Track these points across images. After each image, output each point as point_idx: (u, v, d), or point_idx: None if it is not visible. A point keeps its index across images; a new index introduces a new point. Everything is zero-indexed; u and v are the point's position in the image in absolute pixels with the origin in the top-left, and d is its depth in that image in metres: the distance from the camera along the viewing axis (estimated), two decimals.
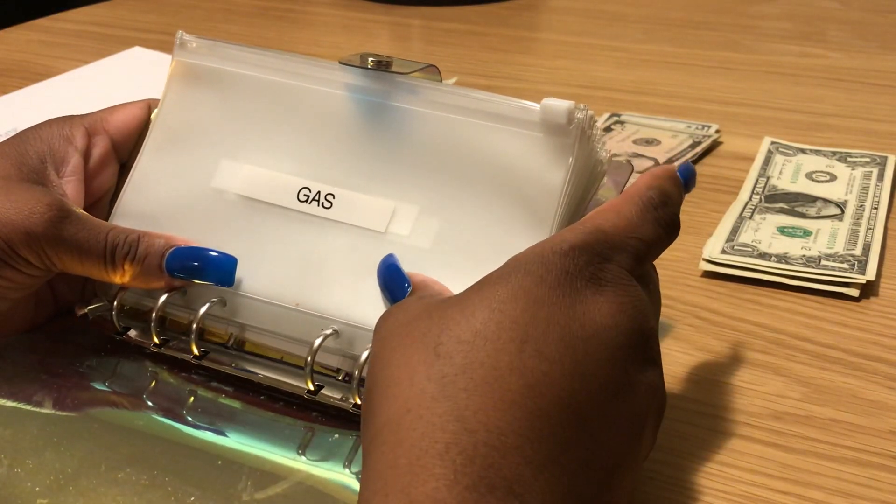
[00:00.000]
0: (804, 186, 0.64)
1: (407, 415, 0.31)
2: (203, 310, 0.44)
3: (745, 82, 0.85)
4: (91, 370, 0.45)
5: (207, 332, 0.45)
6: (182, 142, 0.48)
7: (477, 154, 0.43)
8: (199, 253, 0.44)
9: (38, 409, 0.43)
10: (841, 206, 0.62)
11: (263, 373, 0.44)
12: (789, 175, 0.66)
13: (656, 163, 0.68)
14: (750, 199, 0.63)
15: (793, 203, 0.62)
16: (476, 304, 0.34)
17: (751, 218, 0.60)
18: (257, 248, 0.45)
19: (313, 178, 0.45)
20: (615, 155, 0.69)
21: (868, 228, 0.58)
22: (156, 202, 0.47)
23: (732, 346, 0.49)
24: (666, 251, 0.58)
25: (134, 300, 0.46)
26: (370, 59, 0.45)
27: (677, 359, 0.48)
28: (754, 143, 0.71)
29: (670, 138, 0.72)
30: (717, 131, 0.73)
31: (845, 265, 0.54)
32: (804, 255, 0.55)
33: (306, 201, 0.45)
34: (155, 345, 0.45)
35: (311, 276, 0.44)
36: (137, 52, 0.92)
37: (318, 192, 0.45)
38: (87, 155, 0.47)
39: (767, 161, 0.68)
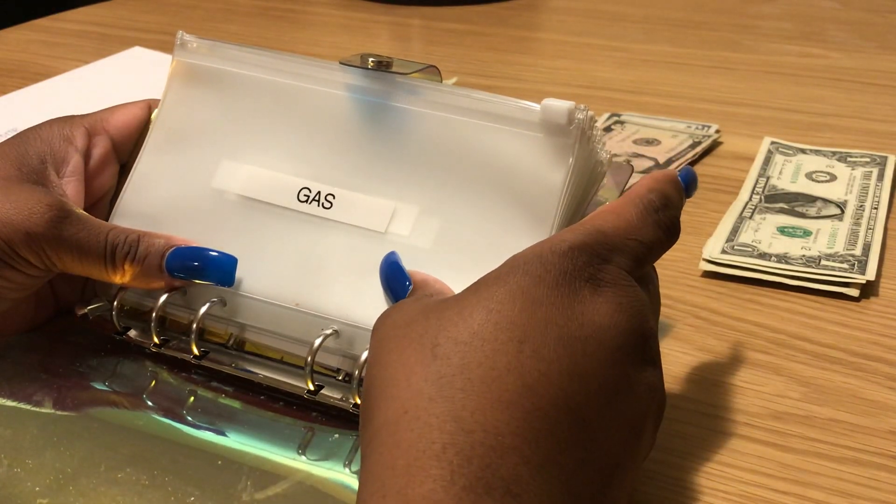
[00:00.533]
0: (804, 186, 0.64)
1: (404, 416, 0.31)
2: (203, 310, 0.44)
3: (745, 82, 0.85)
4: (91, 370, 0.45)
5: (207, 332, 0.45)
6: (182, 142, 0.48)
7: (477, 154, 0.43)
8: (199, 253, 0.44)
9: (38, 409, 0.43)
10: (841, 206, 0.62)
11: (263, 373, 0.44)
12: (789, 175, 0.66)
13: (656, 163, 0.68)
14: (750, 199, 0.63)
15: (793, 203, 0.62)
16: (473, 304, 0.34)
17: (751, 218, 0.60)
18: (257, 248, 0.45)
19: (313, 178, 0.46)
20: (615, 155, 0.69)
21: (868, 228, 0.58)
22: (156, 202, 0.47)
23: (732, 346, 0.49)
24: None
25: (134, 300, 0.46)
26: (370, 59, 0.45)
27: (677, 359, 0.48)
28: (754, 143, 0.71)
29: (670, 138, 0.72)
30: (717, 131, 0.73)
31: (845, 265, 0.54)
32: (804, 255, 0.56)
33: (306, 201, 0.45)
34: (155, 345, 0.45)
35: (311, 276, 0.44)
36: (137, 52, 0.92)
37: (319, 193, 0.45)
38: (87, 155, 0.47)
39: (767, 161, 0.68)
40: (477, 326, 0.33)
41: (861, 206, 0.61)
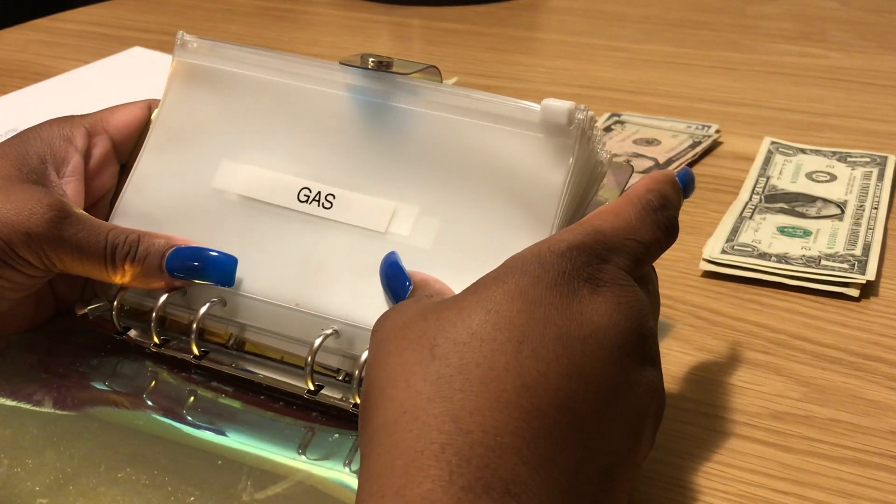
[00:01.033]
0: (804, 186, 0.64)
1: (403, 416, 0.31)
2: (203, 310, 0.44)
3: (745, 82, 0.85)
4: (91, 370, 0.45)
5: (207, 332, 0.45)
6: (182, 142, 0.48)
7: (477, 154, 0.43)
8: (199, 253, 0.44)
9: (38, 409, 0.43)
10: (841, 206, 0.62)
11: (263, 373, 0.44)
12: (789, 175, 0.66)
13: (656, 163, 0.68)
14: (750, 199, 0.63)
15: (793, 203, 0.62)
16: (472, 305, 0.34)
17: (751, 218, 0.60)
18: (258, 248, 0.45)
19: (314, 178, 0.46)
20: (616, 155, 0.69)
21: (868, 228, 0.58)
22: (156, 202, 0.47)
23: (732, 346, 0.49)
24: (666, 251, 0.58)
25: (134, 300, 0.46)
26: (371, 59, 0.45)
27: (677, 359, 0.48)
28: (754, 143, 0.71)
29: (670, 138, 0.72)
30: (717, 131, 0.73)
31: (845, 265, 0.54)
32: (804, 255, 0.56)
33: (307, 201, 0.45)
34: (155, 345, 0.45)
35: (312, 277, 0.44)
36: (137, 52, 0.92)
37: (319, 193, 0.45)
38: (87, 155, 0.47)
39: (767, 161, 0.68)
40: (475, 327, 0.33)
41: (861, 206, 0.61)
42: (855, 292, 0.53)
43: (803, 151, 0.69)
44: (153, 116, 0.49)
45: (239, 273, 0.44)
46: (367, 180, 0.45)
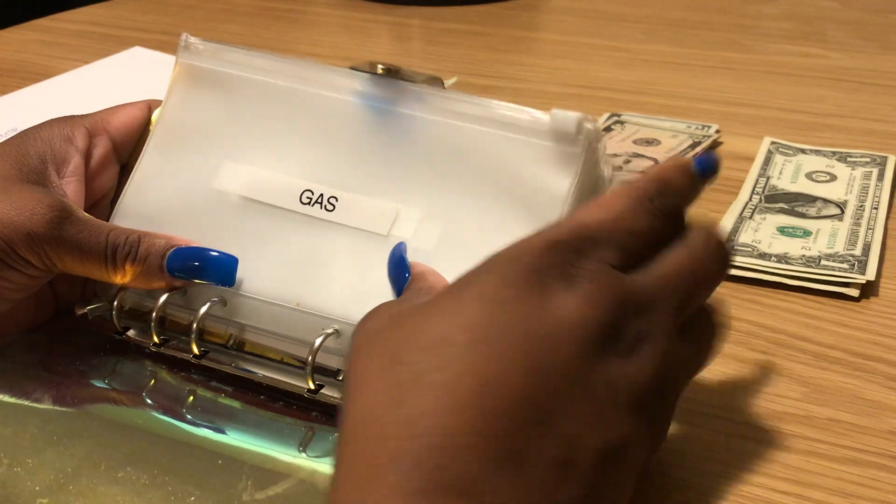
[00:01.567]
0: (804, 186, 0.64)
1: (361, 425, 0.31)
2: (203, 310, 0.44)
3: (745, 82, 0.85)
4: (91, 369, 0.45)
5: (207, 332, 0.45)
6: (184, 143, 0.48)
7: (482, 160, 0.44)
8: (200, 253, 0.44)
9: (37, 407, 0.43)
10: (841, 206, 0.62)
11: (263, 373, 0.44)
12: (789, 175, 0.66)
13: (656, 163, 0.68)
14: (750, 199, 0.63)
15: (793, 203, 0.62)
16: (441, 310, 0.33)
17: (751, 218, 0.60)
18: (259, 249, 0.45)
19: (316, 180, 0.46)
20: (619, 168, 0.69)
21: (868, 228, 0.58)
22: (157, 203, 0.47)
23: (732, 346, 0.49)
24: None
25: (134, 300, 0.46)
26: (378, 66, 0.45)
27: None
28: (754, 143, 0.71)
29: (670, 138, 0.72)
30: (717, 131, 0.73)
31: (845, 265, 0.54)
32: (804, 255, 0.56)
33: (309, 203, 0.45)
34: (155, 344, 0.45)
35: (313, 277, 0.44)
36: (137, 52, 0.92)
37: (321, 195, 0.45)
38: (87, 155, 0.47)
39: (767, 161, 0.68)
40: (439, 332, 0.33)
41: (861, 206, 0.61)
42: (855, 292, 0.53)
43: (803, 151, 0.69)
44: (154, 117, 0.49)
45: (239, 273, 0.44)
46: (369, 183, 0.45)
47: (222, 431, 0.42)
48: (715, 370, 0.48)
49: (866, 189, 0.64)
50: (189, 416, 0.43)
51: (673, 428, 0.43)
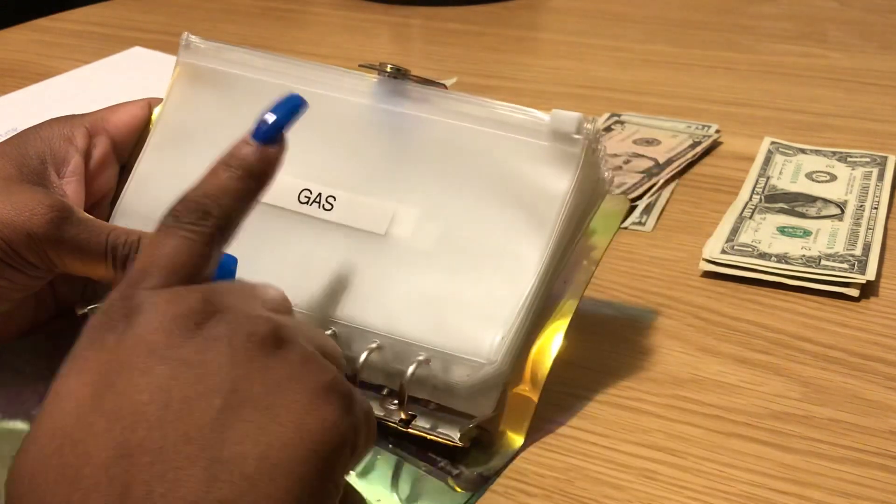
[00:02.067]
0: (804, 186, 0.64)
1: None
2: None
3: (745, 82, 0.85)
4: None
5: None
6: (184, 142, 0.48)
7: (481, 160, 0.44)
8: None
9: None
10: (841, 206, 0.62)
11: None
12: (789, 175, 0.66)
13: (656, 163, 0.68)
14: (750, 199, 0.63)
15: (793, 203, 0.62)
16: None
17: (751, 218, 0.60)
18: (257, 248, 0.45)
19: (315, 180, 0.46)
20: (618, 168, 0.69)
21: (868, 228, 0.58)
22: (157, 202, 0.47)
23: (732, 346, 0.49)
24: (666, 251, 0.58)
25: None
26: (388, 66, 0.45)
27: (678, 359, 0.48)
28: (754, 143, 0.71)
29: (670, 138, 0.72)
30: (717, 131, 0.73)
31: (845, 265, 0.54)
32: (804, 255, 0.56)
33: (307, 203, 0.45)
34: None
35: (311, 278, 0.44)
36: (137, 52, 0.92)
37: (320, 194, 0.45)
38: (87, 155, 0.47)
39: (767, 161, 0.68)
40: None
41: (861, 206, 0.61)
42: (855, 292, 0.53)
43: (803, 151, 0.69)
44: (155, 116, 0.49)
45: (238, 273, 0.44)
46: (368, 183, 0.45)
47: None
48: (715, 370, 0.48)
49: (866, 189, 0.64)
50: None
51: (672, 428, 0.44)
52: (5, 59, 0.94)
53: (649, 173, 0.66)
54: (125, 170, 0.49)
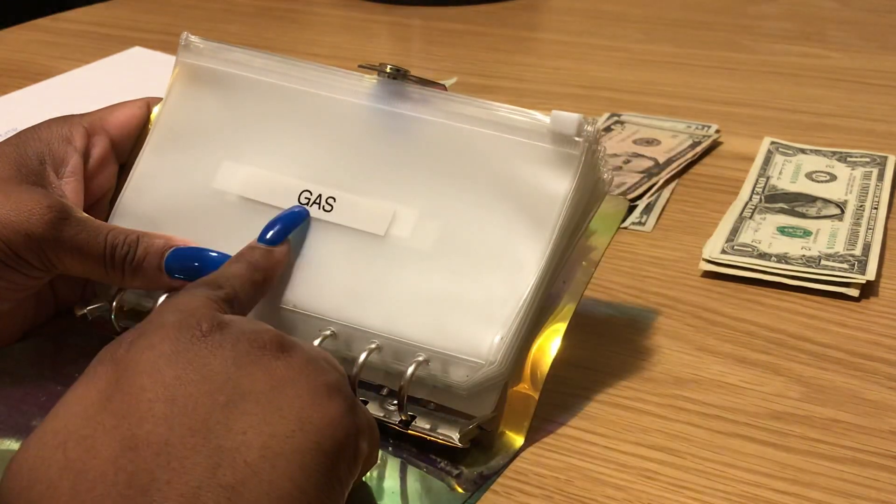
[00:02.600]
0: (804, 186, 0.64)
1: None
2: None
3: (745, 82, 0.85)
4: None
5: None
6: (183, 142, 0.48)
7: (481, 161, 0.44)
8: (198, 253, 0.44)
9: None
10: (841, 206, 0.62)
11: None
12: (789, 175, 0.66)
13: (656, 163, 0.68)
14: (750, 199, 0.63)
15: (793, 203, 0.62)
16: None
17: (751, 218, 0.60)
18: None
19: (315, 180, 0.46)
20: (618, 168, 0.69)
21: (868, 228, 0.58)
22: (156, 202, 0.47)
23: (732, 346, 0.49)
24: (666, 251, 0.58)
25: (134, 300, 0.46)
26: (388, 67, 0.45)
27: (678, 359, 0.48)
28: (754, 143, 0.71)
29: (670, 138, 0.72)
30: (717, 131, 0.73)
31: (845, 265, 0.54)
32: (804, 255, 0.55)
33: (307, 204, 0.45)
34: None
35: (310, 278, 0.44)
36: (137, 52, 0.92)
37: (320, 195, 0.45)
38: (86, 155, 0.47)
39: (767, 161, 0.68)
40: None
41: (861, 206, 0.61)
42: (855, 292, 0.53)
43: (803, 151, 0.69)
44: (154, 116, 0.49)
45: None
46: (368, 183, 0.45)
47: None
48: (715, 370, 0.48)
49: (866, 189, 0.64)
50: None
51: (673, 428, 0.44)
52: (5, 59, 0.94)
53: (649, 173, 0.66)
54: (124, 169, 0.49)
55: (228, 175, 0.47)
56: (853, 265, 0.54)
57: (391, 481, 0.41)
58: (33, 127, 0.47)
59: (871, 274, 0.54)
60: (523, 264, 0.42)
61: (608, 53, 0.94)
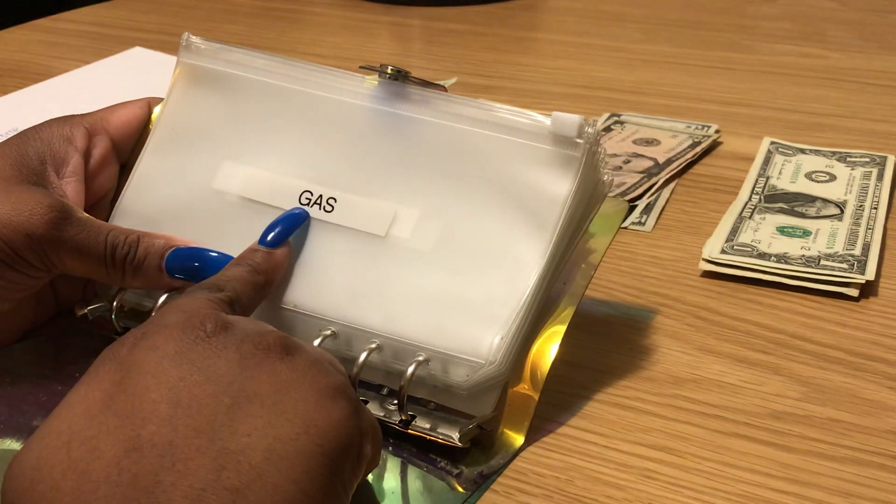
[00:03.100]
0: (804, 186, 0.64)
1: None
2: None
3: (745, 82, 0.85)
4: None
5: None
6: (184, 142, 0.48)
7: (482, 162, 0.44)
8: (198, 253, 0.44)
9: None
10: (840, 206, 0.62)
11: None
12: (789, 175, 0.66)
13: (656, 163, 0.68)
14: (749, 199, 0.63)
15: (792, 203, 0.62)
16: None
17: (750, 218, 0.60)
18: None
19: (316, 181, 0.46)
20: (618, 168, 0.69)
21: (867, 228, 0.58)
22: (157, 202, 0.47)
23: (732, 346, 0.49)
24: (666, 251, 0.58)
25: (134, 300, 0.46)
26: (389, 68, 0.45)
27: (677, 359, 0.48)
28: (754, 143, 0.71)
29: (670, 138, 0.72)
30: (717, 131, 0.73)
31: (845, 265, 0.54)
32: (804, 255, 0.56)
33: (308, 204, 0.45)
34: None
35: (311, 279, 0.44)
36: (137, 52, 0.92)
37: (321, 196, 0.45)
38: (87, 155, 0.47)
39: (767, 161, 0.68)
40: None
41: (861, 206, 0.61)
42: (854, 292, 0.53)
43: (803, 151, 0.69)
44: (155, 116, 0.49)
45: None
46: (369, 184, 0.45)
47: None
48: (715, 370, 0.48)
49: (866, 189, 0.64)
50: None
51: (673, 428, 0.44)
52: (5, 59, 0.94)
53: (649, 173, 0.66)
54: (125, 170, 0.49)
55: (229, 175, 0.47)
56: (853, 265, 0.54)
57: (392, 481, 0.41)
58: (34, 127, 0.47)
59: (870, 274, 0.54)
60: (524, 265, 0.42)
61: (608, 53, 0.94)
